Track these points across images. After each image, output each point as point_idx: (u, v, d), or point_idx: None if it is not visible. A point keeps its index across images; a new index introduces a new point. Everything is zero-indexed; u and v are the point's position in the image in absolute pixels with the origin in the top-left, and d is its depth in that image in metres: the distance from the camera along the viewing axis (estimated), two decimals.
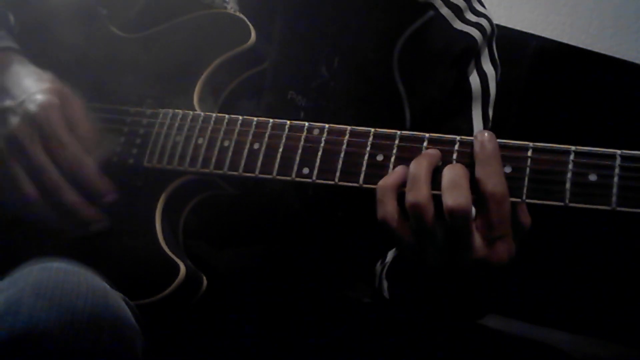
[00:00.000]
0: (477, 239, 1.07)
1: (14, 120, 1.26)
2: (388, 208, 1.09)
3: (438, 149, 1.12)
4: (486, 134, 1.08)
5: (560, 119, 2.17)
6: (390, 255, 1.43)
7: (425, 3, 1.44)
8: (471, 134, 1.11)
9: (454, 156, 1.11)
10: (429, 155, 1.11)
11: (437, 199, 1.07)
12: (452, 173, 1.07)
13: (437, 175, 1.09)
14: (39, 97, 1.27)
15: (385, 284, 1.42)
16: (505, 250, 1.08)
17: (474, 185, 1.06)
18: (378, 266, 1.45)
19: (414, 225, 1.08)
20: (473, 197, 1.06)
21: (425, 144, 1.13)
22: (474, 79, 1.45)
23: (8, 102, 1.28)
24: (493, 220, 1.06)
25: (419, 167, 1.09)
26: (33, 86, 1.30)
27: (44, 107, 1.26)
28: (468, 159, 1.09)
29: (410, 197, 1.07)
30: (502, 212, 1.06)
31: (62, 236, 1.27)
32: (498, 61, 1.49)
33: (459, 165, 1.08)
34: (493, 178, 1.05)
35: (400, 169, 1.12)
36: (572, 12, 2.34)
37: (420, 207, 1.06)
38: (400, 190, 1.10)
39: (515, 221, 1.09)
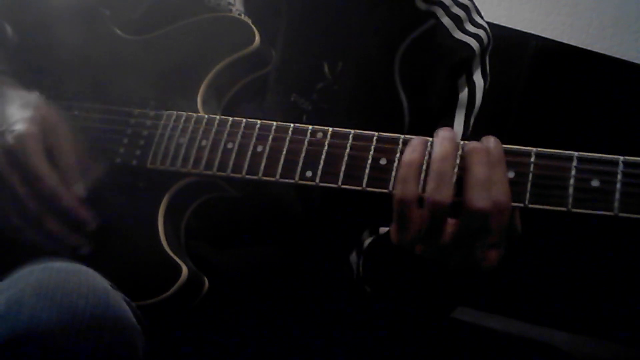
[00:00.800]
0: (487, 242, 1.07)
1: None
2: (410, 188, 1.08)
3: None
4: (492, 140, 1.08)
5: (560, 118, 2.17)
6: (366, 240, 1.43)
7: (427, 11, 1.45)
8: None
9: (457, 161, 1.11)
10: (452, 153, 1.09)
11: None
12: (483, 171, 1.06)
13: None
14: (17, 128, 1.25)
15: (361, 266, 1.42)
16: (496, 256, 1.09)
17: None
18: (353, 256, 1.44)
19: (427, 220, 1.07)
20: None
21: (428, 148, 1.12)
22: (463, 88, 1.46)
23: None
24: (493, 227, 1.06)
25: (447, 164, 1.08)
26: (14, 114, 1.27)
27: (20, 138, 1.24)
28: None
29: (436, 196, 1.06)
30: (502, 220, 1.06)
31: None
32: (488, 73, 1.50)
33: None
34: (497, 185, 1.05)
35: (421, 146, 1.10)
36: (572, 12, 2.34)
37: (443, 208, 1.06)
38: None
39: (509, 228, 1.09)
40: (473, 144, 1.08)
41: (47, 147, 1.26)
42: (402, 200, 1.09)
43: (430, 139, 1.11)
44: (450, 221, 1.07)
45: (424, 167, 1.09)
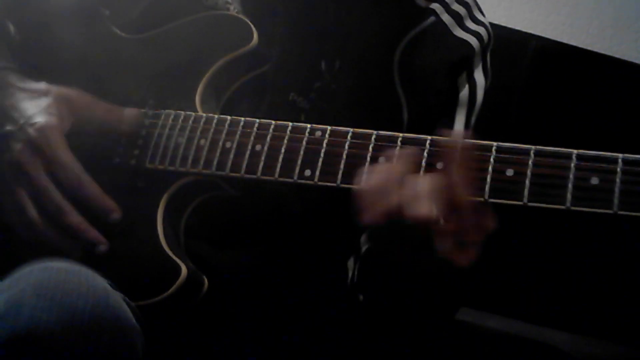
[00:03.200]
0: (445, 243, 1.06)
1: (16, 146, 1.26)
2: (377, 211, 1.08)
3: (437, 150, 1.11)
4: (452, 139, 1.08)
5: (560, 119, 2.17)
6: (364, 246, 1.43)
7: (426, 9, 1.45)
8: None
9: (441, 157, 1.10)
10: (404, 155, 1.10)
11: None
12: (424, 182, 1.06)
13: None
14: (37, 120, 1.26)
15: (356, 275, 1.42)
16: (471, 255, 1.08)
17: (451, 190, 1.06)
18: (351, 262, 1.44)
19: (391, 225, 1.08)
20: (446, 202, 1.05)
21: (427, 146, 1.12)
22: (463, 86, 1.46)
23: (8, 127, 1.28)
24: (463, 226, 1.05)
25: (381, 193, 1.07)
26: (31, 107, 1.29)
27: (43, 130, 1.26)
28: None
29: (412, 210, 1.05)
30: (472, 219, 1.05)
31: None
32: (489, 71, 1.50)
33: (434, 175, 1.07)
34: (456, 186, 1.04)
35: (384, 170, 1.11)
36: (572, 12, 2.34)
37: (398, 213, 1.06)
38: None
39: (481, 224, 1.08)
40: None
41: (68, 129, 1.28)
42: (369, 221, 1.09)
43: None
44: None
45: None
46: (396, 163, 1.09)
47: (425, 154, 1.12)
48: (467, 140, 1.09)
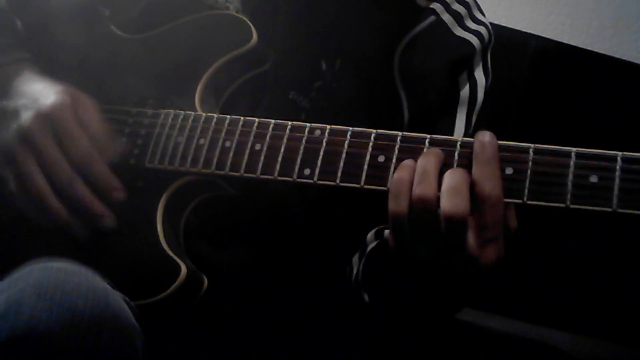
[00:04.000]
0: (471, 240, 1.06)
1: (27, 116, 1.26)
2: (402, 203, 1.08)
3: (440, 149, 1.12)
4: (487, 136, 1.08)
5: (560, 119, 2.17)
6: (370, 244, 1.43)
7: (427, 8, 1.45)
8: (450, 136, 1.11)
9: (455, 158, 1.11)
10: (436, 153, 1.10)
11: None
12: (455, 178, 1.06)
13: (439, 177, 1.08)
14: (52, 96, 1.28)
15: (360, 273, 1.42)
16: (494, 252, 1.08)
17: (471, 186, 1.06)
18: (355, 258, 1.44)
19: (416, 218, 1.07)
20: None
21: (426, 145, 1.12)
22: (464, 85, 1.46)
23: (22, 101, 1.29)
24: (487, 222, 1.06)
25: (429, 162, 1.08)
26: (46, 88, 1.31)
27: (56, 104, 1.27)
28: (468, 161, 1.09)
29: (419, 190, 1.06)
30: (496, 215, 1.06)
31: (70, 237, 1.27)
32: (490, 70, 1.50)
33: (460, 170, 1.08)
34: (491, 181, 1.05)
35: (409, 162, 1.11)
36: (572, 12, 2.34)
37: (427, 202, 1.06)
38: None
39: (504, 224, 1.09)
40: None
41: (78, 117, 1.28)
42: (394, 213, 1.09)
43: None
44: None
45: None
46: (426, 158, 1.09)
47: (455, 154, 1.12)
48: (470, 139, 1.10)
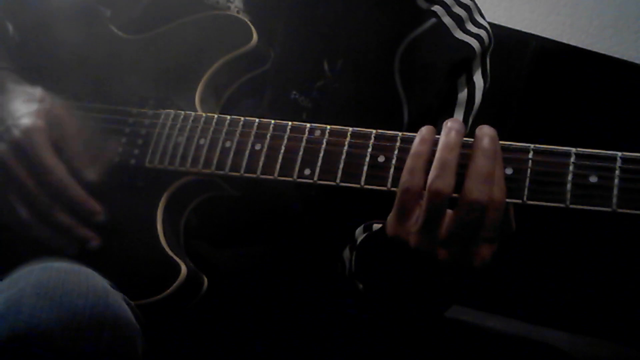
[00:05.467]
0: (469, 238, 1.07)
1: (1, 147, 1.26)
2: (416, 179, 1.08)
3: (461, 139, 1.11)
4: (492, 134, 1.08)
5: (560, 118, 2.17)
6: (360, 237, 1.43)
7: (428, 10, 1.45)
8: None
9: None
10: (458, 144, 1.08)
11: None
12: (487, 164, 1.06)
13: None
14: (23, 122, 1.26)
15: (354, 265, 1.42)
16: (489, 253, 1.08)
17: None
18: (346, 252, 1.44)
19: (429, 209, 1.07)
20: None
21: (456, 125, 1.11)
22: (463, 88, 1.46)
23: None
24: (486, 222, 1.06)
25: (452, 154, 1.07)
26: (20, 109, 1.29)
27: (27, 132, 1.25)
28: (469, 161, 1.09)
29: (438, 184, 1.05)
30: (496, 216, 1.06)
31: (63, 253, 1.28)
32: (489, 73, 1.50)
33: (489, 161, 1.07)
34: (495, 181, 1.05)
35: (430, 137, 1.10)
36: (572, 12, 2.34)
37: (443, 197, 1.05)
38: None
39: (503, 225, 1.09)
40: (484, 132, 1.08)
41: (53, 140, 1.27)
42: (407, 190, 1.08)
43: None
44: (448, 213, 1.07)
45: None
46: (448, 148, 1.08)
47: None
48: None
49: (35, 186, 1.25)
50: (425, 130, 1.11)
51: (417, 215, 1.08)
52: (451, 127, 1.09)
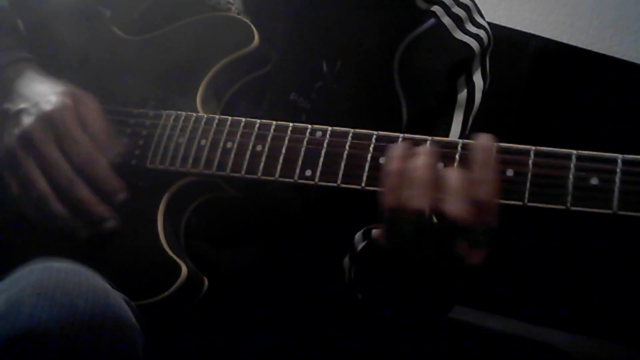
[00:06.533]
0: (461, 242, 1.07)
1: (28, 119, 1.26)
2: (399, 196, 1.08)
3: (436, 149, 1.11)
4: (485, 140, 1.08)
5: (560, 119, 2.17)
6: (359, 245, 1.43)
7: (427, 11, 1.45)
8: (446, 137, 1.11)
9: (457, 159, 1.11)
10: (429, 164, 1.08)
11: None
12: (459, 180, 1.06)
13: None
14: (53, 98, 1.28)
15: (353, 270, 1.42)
16: (480, 256, 1.09)
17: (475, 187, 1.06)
18: (346, 260, 1.44)
19: (412, 224, 1.07)
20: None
21: (427, 146, 1.12)
22: (462, 89, 1.46)
23: (22, 105, 1.29)
24: (478, 225, 1.06)
25: (421, 173, 1.07)
26: (48, 90, 1.30)
27: (57, 107, 1.27)
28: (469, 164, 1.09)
29: (413, 204, 1.06)
30: (486, 219, 1.06)
31: (73, 239, 1.27)
32: (488, 73, 1.50)
33: (463, 171, 1.07)
34: (485, 185, 1.05)
35: (402, 151, 1.10)
36: (572, 12, 2.34)
37: (421, 214, 1.06)
38: None
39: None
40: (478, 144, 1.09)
41: (80, 119, 1.28)
42: (390, 209, 1.09)
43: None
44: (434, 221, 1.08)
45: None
46: (425, 156, 1.09)
47: (457, 156, 1.11)
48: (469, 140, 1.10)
49: (61, 158, 1.25)
50: (396, 150, 1.11)
51: (405, 227, 1.09)
52: (422, 151, 1.10)
